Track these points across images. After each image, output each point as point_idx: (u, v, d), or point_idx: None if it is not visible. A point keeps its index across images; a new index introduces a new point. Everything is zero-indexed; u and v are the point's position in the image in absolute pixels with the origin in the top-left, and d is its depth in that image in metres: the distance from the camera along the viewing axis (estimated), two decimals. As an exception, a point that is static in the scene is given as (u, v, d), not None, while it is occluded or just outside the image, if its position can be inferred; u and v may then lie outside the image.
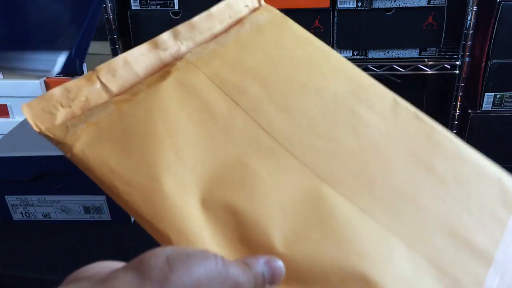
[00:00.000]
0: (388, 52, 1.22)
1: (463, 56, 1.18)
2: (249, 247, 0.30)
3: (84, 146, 0.32)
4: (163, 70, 0.37)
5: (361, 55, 1.23)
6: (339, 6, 1.17)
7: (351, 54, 1.23)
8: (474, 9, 1.12)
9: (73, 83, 0.34)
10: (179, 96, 0.35)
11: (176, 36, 0.39)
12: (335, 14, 1.18)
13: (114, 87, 0.35)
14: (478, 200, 0.36)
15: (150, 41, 0.37)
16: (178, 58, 0.38)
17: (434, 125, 0.40)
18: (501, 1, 1.11)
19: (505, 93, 1.21)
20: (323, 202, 0.33)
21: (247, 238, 0.30)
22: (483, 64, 1.19)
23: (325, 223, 0.32)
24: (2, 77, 1.51)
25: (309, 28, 1.17)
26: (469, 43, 1.16)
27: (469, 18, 1.13)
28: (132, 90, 0.35)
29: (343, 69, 0.42)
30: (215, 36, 0.41)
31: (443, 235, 0.34)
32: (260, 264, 0.27)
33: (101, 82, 0.35)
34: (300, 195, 0.33)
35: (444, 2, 1.14)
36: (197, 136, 0.33)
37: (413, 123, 0.40)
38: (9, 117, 1.57)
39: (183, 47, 0.39)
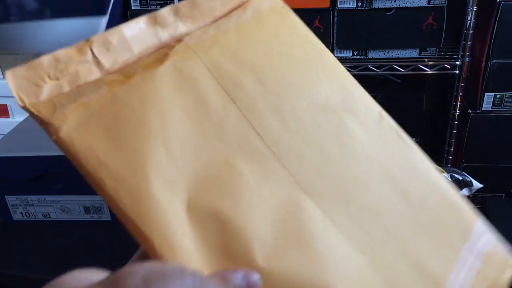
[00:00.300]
0: (388, 52, 1.22)
1: (463, 56, 1.18)
2: (229, 257, 0.29)
3: (72, 129, 0.29)
4: (160, 52, 0.35)
5: (361, 55, 1.23)
6: (339, 6, 1.17)
7: (351, 54, 1.23)
8: (474, 9, 1.12)
9: (64, 52, 0.31)
10: (175, 84, 0.33)
11: (176, 13, 0.37)
12: (335, 14, 1.18)
13: (106, 61, 0.33)
14: (439, 226, 0.37)
15: (150, 15, 0.36)
16: (176, 38, 0.36)
17: (412, 146, 0.40)
18: (501, 1, 1.11)
19: (505, 93, 1.21)
20: (303, 216, 0.32)
21: (228, 248, 0.30)
22: (483, 64, 1.19)
23: (303, 239, 0.31)
24: (2, 77, 1.51)
25: (309, 28, 1.17)
26: (469, 43, 1.16)
27: (469, 18, 1.13)
28: (126, 70, 0.33)
29: (336, 74, 0.41)
30: (216, 19, 0.39)
31: (404, 259, 0.34)
32: (238, 278, 0.27)
33: (93, 55, 0.32)
34: (282, 207, 0.32)
35: (444, 2, 1.14)
36: (189, 132, 0.32)
37: (394, 140, 0.39)
38: (9, 117, 1.57)
39: (183, 26, 0.37)
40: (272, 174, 0.33)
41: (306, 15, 1.24)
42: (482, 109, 1.23)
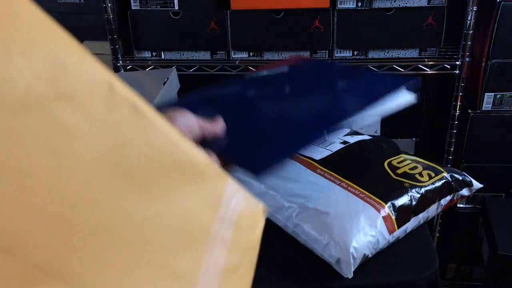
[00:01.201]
0: (388, 52, 1.22)
1: (463, 56, 1.18)
2: None
3: None
4: None
5: (361, 55, 1.23)
6: (339, 6, 1.17)
7: (351, 54, 1.23)
8: (474, 9, 1.12)
9: None
10: None
11: None
12: (335, 14, 1.18)
13: None
14: (184, 211, 0.33)
15: None
16: None
17: (154, 119, 0.32)
18: (501, 1, 1.11)
19: (505, 93, 1.21)
20: None
21: None
22: (483, 64, 1.19)
23: None
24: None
25: (309, 28, 1.17)
26: (469, 43, 1.16)
27: (469, 18, 1.13)
28: None
29: (39, 38, 0.27)
30: None
31: (153, 268, 0.31)
32: None
33: None
34: None
35: (444, 2, 1.14)
36: None
37: (130, 118, 0.31)
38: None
39: None
40: None
41: (306, 15, 1.25)
42: (482, 109, 1.23)
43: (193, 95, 0.68)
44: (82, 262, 0.28)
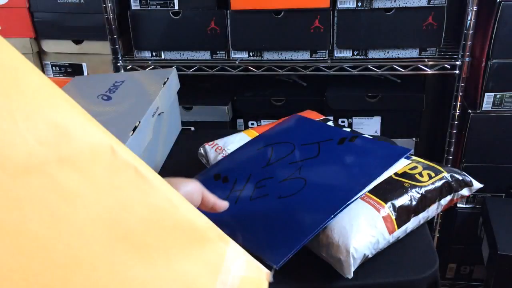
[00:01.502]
0: (388, 52, 1.22)
1: (463, 56, 1.18)
2: None
3: None
4: None
5: (361, 55, 1.23)
6: (339, 6, 1.17)
7: (351, 54, 1.23)
8: (474, 9, 1.12)
9: None
10: None
11: None
12: (335, 14, 1.18)
13: None
14: (183, 275, 0.32)
15: None
16: None
17: (153, 181, 0.32)
18: (501, 1, 1.11)
19: (505, 93, 1.21)
20: None
21: None
22: (483, 64, 1.19)
23: None
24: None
25: (309, 28, 1.17)
26: (469, 43, 1.16)
27: (469, 18, 1.13)
28: None
29: (41, 105, 0.27)
30: None
31: None
32: None
33: None
34: None
35: (444, 2, 1.14)
36: None
37: (132, 180, 0.31)
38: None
39: None
40: None
41: (306, 15, 1.25)
42: (482, 109, 1.23)
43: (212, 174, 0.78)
44: None
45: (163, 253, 0.31)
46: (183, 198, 0.34)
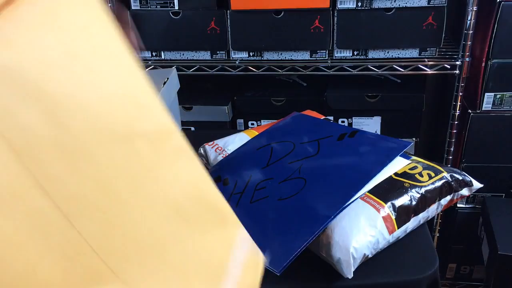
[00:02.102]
0: (388, 52, 1.22)
1: (463, 56, 1.18)
2: None
3: None
4: None
5: (361, 55, 1.23)
6: (339, 6, 1.17)
7: (351, 54, 1.23)
8: (474, 9, 1.12)
9: None
10: None
11: None
12: (335, 14, 1.18)
13: None
14: (210, 248, 0.38)
15: None
16: None
17: (198, 164, 0.38)
18: (501, 1, 1.11)
19: (505, 93, 1.21)
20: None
21: None
22: (483, 64, 1.19)
23: None
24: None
25: (309, 28, 1.17)
26: (469, 43, 1.16)
27: (469, 18, 1.13)
28: None
29: (124, 81, 0.37)
30: None
31: None
32: None
33: None
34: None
35: (444, 2, 1.14)
36: None
37: (182, 159, 0.37)
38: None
39: None
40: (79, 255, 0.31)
41: (306, 15, 1.25)
42: (482, 109, 1.23)
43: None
44: (142, 273, 0.33)
45: (199, 227, 0.36)
46: (213, 182, 0.39)
